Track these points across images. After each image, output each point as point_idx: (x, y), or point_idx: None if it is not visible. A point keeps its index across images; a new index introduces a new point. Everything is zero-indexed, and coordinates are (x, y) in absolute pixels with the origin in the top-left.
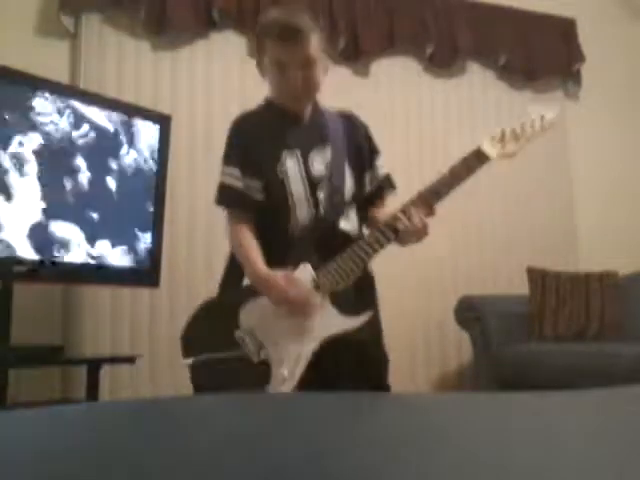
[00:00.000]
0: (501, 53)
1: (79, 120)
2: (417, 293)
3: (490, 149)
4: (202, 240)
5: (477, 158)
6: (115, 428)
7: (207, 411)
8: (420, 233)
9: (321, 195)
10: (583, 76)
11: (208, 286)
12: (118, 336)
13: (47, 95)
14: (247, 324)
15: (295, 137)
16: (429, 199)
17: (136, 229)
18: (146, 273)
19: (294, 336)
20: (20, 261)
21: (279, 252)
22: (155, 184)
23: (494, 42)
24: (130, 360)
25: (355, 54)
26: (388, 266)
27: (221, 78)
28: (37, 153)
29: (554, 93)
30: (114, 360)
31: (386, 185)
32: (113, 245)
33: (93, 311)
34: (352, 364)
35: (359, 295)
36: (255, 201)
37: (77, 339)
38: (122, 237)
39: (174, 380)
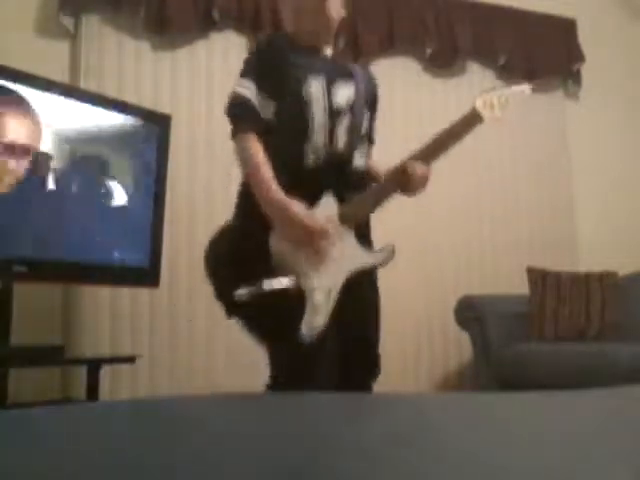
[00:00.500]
0: (501, 53)
1: (79, 120)
2: (417, 293)
3: (483, 110)
4: (202, 240)
5: (472, 117)
6: (115, 428)
7: (207, 411)
8: (424, 182)
9: (339, 127)
10: (583, 76)
11: (208, 286)
12: (118, 336)
13: (47, 95)
14: (277, 247)
15: (320, 65)
16: (426, 157)
17: (136, 229)
18: (146, 273)
19: (324, 267)
20: (20, 261)
21: (292, 179)
22: (155, 184)
23: (494, 42)
24: (130, 360)
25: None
26: (388, 266)
27: (221, 78)
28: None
29: (554, 93)
30: (114, 360)
31: (371, 138)
32: (113, 245)
33: (93, 311)
34: (358, 298)
35: (363, 234)
36: (264, 121)
37: (77, 339)
38: (122, 237)
39: (174, 380)
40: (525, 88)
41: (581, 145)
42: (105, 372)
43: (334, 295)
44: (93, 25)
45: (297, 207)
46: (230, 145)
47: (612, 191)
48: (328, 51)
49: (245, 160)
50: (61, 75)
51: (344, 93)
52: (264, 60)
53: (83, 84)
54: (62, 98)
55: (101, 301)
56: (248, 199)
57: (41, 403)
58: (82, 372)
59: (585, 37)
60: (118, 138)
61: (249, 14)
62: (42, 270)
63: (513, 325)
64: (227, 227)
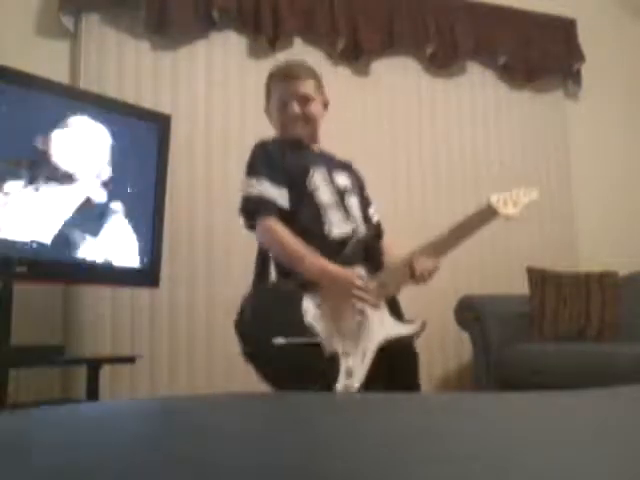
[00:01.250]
0: (501, 53)
1: (79, 120)
2: (417, 293)
3: (497, 205)
4: (202, 240)
5: (487, 212)
6: (115, 428)
7: (207, 411)
8: (429, 276)
9: (351, 202)
10: (583, 76)
11: (208, 286)
12: (118, 336)
13: (47, 95)
14: (311, 314)
15: (317, 158)
16: (436, 251)
17: (136, 229)
18: (146, 273)
19: (358, 334)
20: (20, 261)
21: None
22: (155, 184)
23: (494, 42)
24: (130, 360)
25: (355, 54)
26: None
27: (221, 78)
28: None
29: (554, 93)
30: (114, 360)
31: (379, 233)
32: (113, 245)
33: (93, 311)
34: (404, 365)
35: (394, 307)
36: (282, 209)
37: (77, 339)
38: (122, 237)
39: (174, 380)
40: (534, 192)
41: (581, 145)
42: (105, 372)
43: (367, 361)
44: (93, 25)
45: (349, 273)
46: (229, 145)
47: (612, 191)
48: (316, 147)
49: (280, 243)
50: (61, 75)
51: (343, 179)
52: (266, 158)
53: (83, 84)
54: (62, 98)
55: (101, 301)
56: (266, 270)
57: (41, 403)
58: (82, 372)
59: (585, 37)
60: (118, 138)
61: (249, 14)
62: (42, 270)
63: (513, 325)
64: (257, 292)
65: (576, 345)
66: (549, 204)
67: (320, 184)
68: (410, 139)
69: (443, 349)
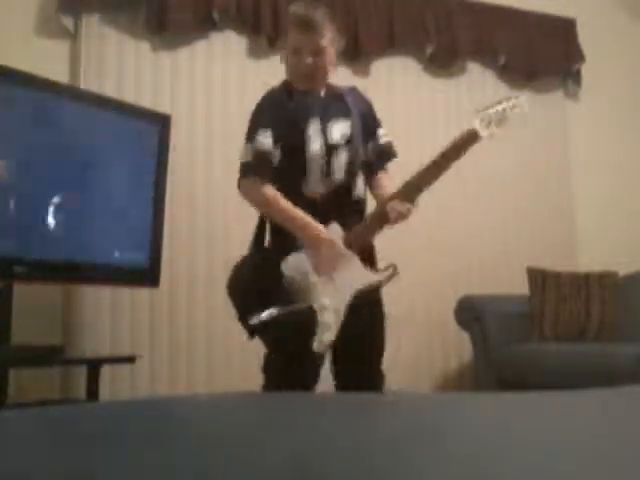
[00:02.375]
0: (501, 53)
1: (79, 120)
2: (417, 293)
3: (482, 129)
4: (202, 240)
5: (469, 136)
6: (115, 428)
7: (207, 411)
8: (401, 219)
9: (335, 161)
10: (583, 76)
11: (208, 286)
12: (118, 336)
13: (47, 95)
14: (289, 272)
15: (315, 108)
16: (407, 194)
17: (136, 229)
18: (146, 273)
19: (332, 288)
20: (20, 261)
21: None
22: (155, 184)
23: (494, 42)
24: (130, 360)
25: (355, 54)
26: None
27: (221, 78)
28: (38, 151)
29: (554, 93)
30: (114, 360)
31: (388, 153)
32: (113, 245)
33: (93, 311)
34: (371, 319)
35: (368, 256)
36: (274, 167)
37: (77, 339)
38: (122, 237)
39: (174, 380)
40: (522, 100)
41: (581, 145)
42: (105, 372)
43: (342, 313)
44: (93, 25)
45: (327, 233)
46: (230, 145)
47: (612, 191)
48: (324, 91)
49: (271, 203)
50: (61, 75)
51: (339, 129)
52: (271, 109)
53: (83, 84)
54: (62, 98)
55: (101, 301)
56: (262, 234)
57: (41, 403)
58: (82, 372)
59: (585, 37)
60: (118, 138)
61: (249, 14)
62: (42, 270)
63: (513, 325)
64: (245, 258)
65: (576, 345)
66: (549, 204)
67: (310, 139)
68: (410, 139)
69: (443, 349)
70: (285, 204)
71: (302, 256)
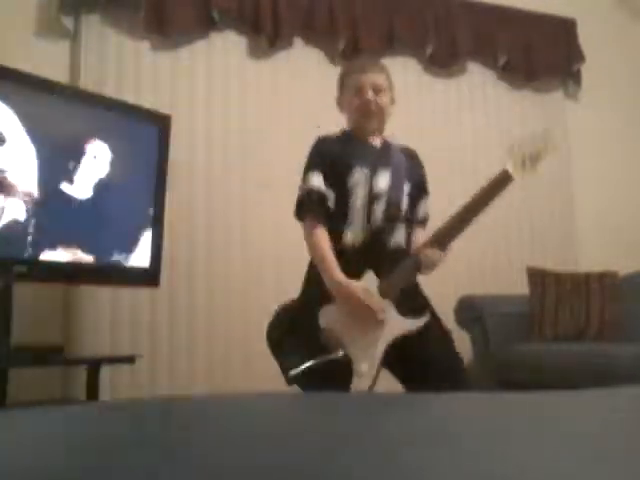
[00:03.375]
0: (501, 53)
1: (79, 120)
2: None
3: (516, 170)
4: (202, 240)
5: (506, 181)
6: (115, 428)
7: (207, 411)
8: (433, 266)
9: (377, 208)
10: (583, 76)
11: (208, 286)
12: (118, 336)
13: (47, 95)
14: (326, 325)
15: (365, 157)
16: (440, 241)
17: (136, 229)
18: (146, 273)
19: (368, 337)
20: (20, 261)
21: (337, 258)
22: (155, 184)
23: (494, 42)
24: (130, 360)
25: (355, 54)
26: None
27: (221, 78)
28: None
29: (554, 93)
30: (114, 360)
31: (425, 223)
32: (113, 245)
33: (93, 311)
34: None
35: (410, 301)
36: (328, 206)
37: (77, 339)
38: (122, 237)
39: (174, 380)
40: (553, 134)
41: (581, 145)
42: (105, 372)
43: (377, 363)
44: (93, 25)
45: (360, 290)
46: (229, 145)
47: (612, 191)
48: (376, 141)
49: (314, 248)
50: (61, 75)
51: (384, 179)
52: (321, 155)
53: (83, 84)
54: (62, 98)
55: (101, 301)
56: (310, 280)
57: (41, 403)
58: (82, 372)
59: (585, 37)
60: (118, 138)
61: (249, 14)
62: (42, 270)
63: (513, 325)
64: (289, 304)
65: (576, 345)
66: (549, 204)
67: (357, 187)
68: (410, 139)
69: None
70: (324, 253)
71: (337, 308)
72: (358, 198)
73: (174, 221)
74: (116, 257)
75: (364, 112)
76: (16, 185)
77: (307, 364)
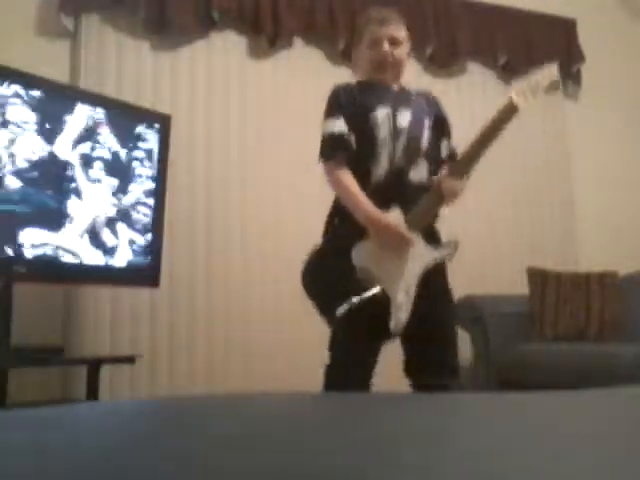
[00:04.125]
0: (501, 53)
1: (79, 120)
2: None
3: (520, 101)
4: (202, 240)
5: (509, 109)
6: (115, 428)
7: (207, 411)
8: (454, 195)
9: (398, 146)
10: (583, 76)
11: (208, 286)
12: (118, 336)
13: (47, 95)
14: (360, 263)
15: (386, 97)
16: (459, 170)
17: (136, 229)
18: (146, 273)
19: (401, 269)
20: (20, 261)
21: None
22: (155, 184)
23: (494, 42)
24: (130, 360)
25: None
26: None
27: (221, 78)
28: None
29: (554, 93)
30: (114, 360)
31: (453, 156)
32: (113, 245)
33: (93, 311)
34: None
35: (433, 232)
36: (351, 147)
37: (77, 339)
38: (122, 237)
39: (174, 380)
40: (553, 69)
41: (581, 145)
42: (105, 372)
43: (412, 292)
44: (93, 25)
45: (390, 218)
46: (230, 145)
47: (612, 191)
48: (396, 86)
49: (343, 189)
50: (61, 75)
51: (405, 117)
52: (339, 100)
53: (83, 84)
54: (62, 98)
55: (101, 301)
56: (336, 223)
57: (41, 403)
58: (82, 372)
59: (585, 37)
60: (118, 138)
61: (249, 14)
62: (42, 270)
63: (513, 325)
64: (317, 249)
65: (576, 345)
66: (549, 204)
67: (380, 123)
68: None
69: None
70: (354, 190)
71: (369, 244)
72: (381, 136)
73: (174, 221)
74: (116, 257)
75: (380, 64)
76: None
77: (347, 304)
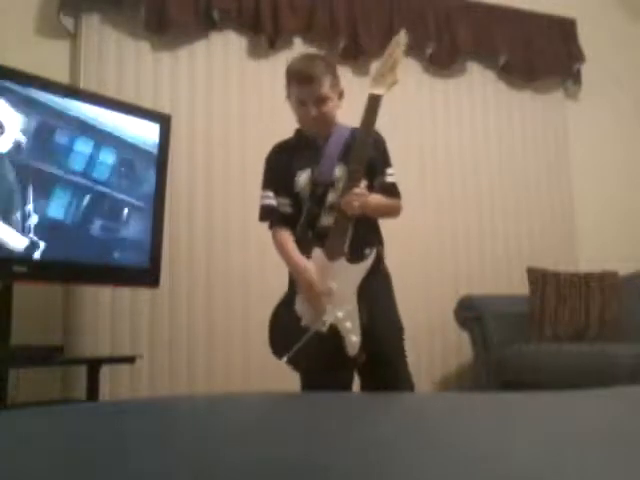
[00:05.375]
0: (501, 53)
1: (79, 120)
2: (417, 293)
3: (378, 89)
4: (202, 240)
5: (375, 102)
6: (115, 428)
7: (207, 411)
8: (357, 202)
9: (328, 196)
10: (583, 76)
11: (208, 286)
12: (118, 336)
13: (47, 95)
14: (301, 309)
15: (309, 157)
16: (355, 178)
17: (136, 229)
18: (146, 273)
19: (338, 298)
20: (20, 261)
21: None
22: (155, 184)
23: (494, 42)
24: (130, 360)
25: (355, 54)
26: (388, 266)
27: (221, 78)
28: (37, 150)
29: (554, 93)
30: (114, 360)
31: (391, 192)
32: (112, 245)
33: (93, 311)
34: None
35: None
36: (285, 214)
37: (77, 339)
38: (122, 237)
39: (174, 380)
40: (400, 36)
41: (581, 145)
42: (105, 372)
43: (355, 313)
44: (93, 25)
45: (309, 265)
46: (230, 144)
47: (612, 191)
48: (326, 138)
49: (278, 247)
50: (61, 75)
51: (329, 174)
52: (272, 170)
53: (83, 84)
54: (62, 98)
55: (101, 301)
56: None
57: (41, 403)
58: (82, 372)
59: (585, 37)
60: (118, 138)
61: (249, 14)
62: (42, 270)
63: (513, 325)
64: (277, 306)
65: (576, 345)
66: (549, 204)
67: (302, 187)
68: (410, 139)
69: (443, 349)
70: (287, 247)
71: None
72: (304, 194)
73: (174, 221)
74: (116, 257)
75: (308, 125)
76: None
77: (296, 346)
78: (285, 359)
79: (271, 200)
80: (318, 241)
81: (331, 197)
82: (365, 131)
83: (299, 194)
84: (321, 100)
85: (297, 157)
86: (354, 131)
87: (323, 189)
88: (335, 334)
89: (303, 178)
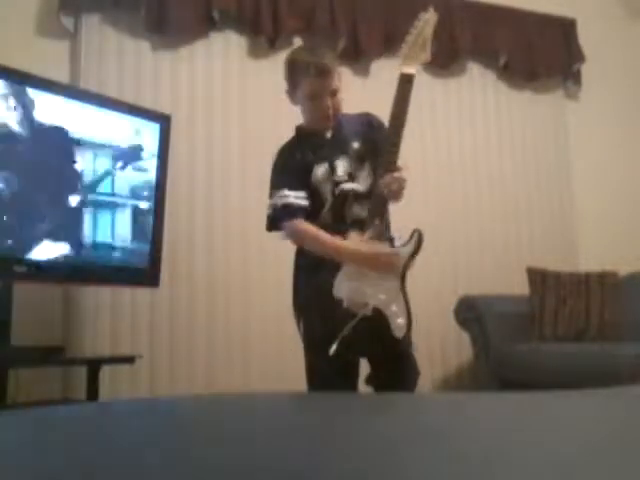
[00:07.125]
0: (501, 53)
1: (79, 120)
2: (417, 293)
3: (409, 68)
4: (202, 240)
5: (408, 80)
6: (115, 428)
7: (207, 411)
8: (398, 187)
9: (348, 203)
10: (583, 76)
11: (208, 286)
12: (118, 336)
13: (47, 95)
14: (342, 295)
15: (324, 151)
16: (388, 164)
17: (136, 229)
18: (146, 273)
19: (384, 282)
20: (20, 261)
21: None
22: (155, 184)
23: (494, 42)
24: (130, 360)
25: (355, 54)
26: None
27: (221, 78)
28: (37, 150)
29: (554, 93)
30: (114, 360)
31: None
32: (112, 245)
33: (93, 311)
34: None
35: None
36: (304, 207)
37: (77, 339)
38: (122, 237)
39: (174, 380)
40: (428, 15)
41: (581, 145)
42: (105, 372)
43: (399, 295)
44: (93, 25)
45: (378, 247)
46: (230, 144)
47: (612, 191)
48: (329, 133)
49: (310, 239)
50: (61, 75)
51: (342, 168)
52: (282, 169)
53: (83, 84)
54: (62, 98)
55: (101, 301)
56: (303, 277)
57: (41, 403)
58: (82, 372)
59: (585, 37)
60: (118, 138)
61: (249, 14)
62: (42, 270)
63: (513, 325)
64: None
65: (576, 345)
66: (549, 204)
67: (321, 180)
68: (410, 139)
69: (443, 349)
70: (325, 237)
71: (345, 274)
72: (324, 188)
73: (174, 221)
74: (116, 257)
75: (322, 119)
76: (15, 184)
77: (341, 335)
78: (332, 350)
79: (287, 198)
80: (351, 227)
81: (359, 186)
82: (401, 111)
83: (317, 188)
84: (334, 92)
85: (309, 152)
86: (360, 116)
87: (348, 179)
88: (380, 317)
89: (321, 171)
